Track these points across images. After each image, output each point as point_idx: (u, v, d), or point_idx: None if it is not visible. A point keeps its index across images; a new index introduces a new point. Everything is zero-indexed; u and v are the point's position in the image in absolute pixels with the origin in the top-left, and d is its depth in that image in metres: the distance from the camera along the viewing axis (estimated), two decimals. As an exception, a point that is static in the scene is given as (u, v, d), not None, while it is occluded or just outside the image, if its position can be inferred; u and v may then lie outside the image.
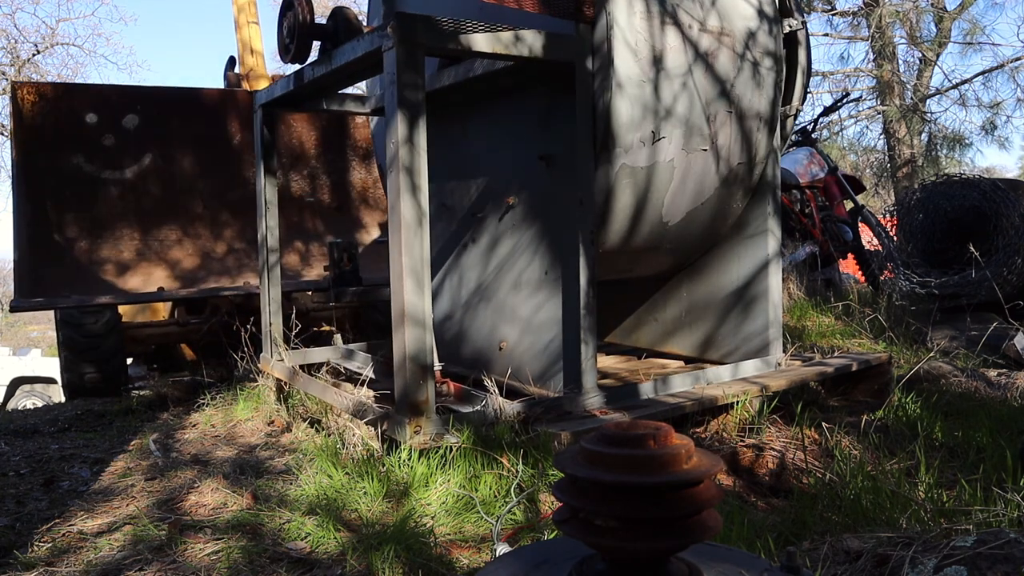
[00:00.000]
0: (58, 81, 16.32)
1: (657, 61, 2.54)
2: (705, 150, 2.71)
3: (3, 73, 16.75)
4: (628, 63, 2.47)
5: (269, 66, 7.32)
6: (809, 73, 3.07)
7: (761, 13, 2.82)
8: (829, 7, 11.93)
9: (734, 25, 2.74)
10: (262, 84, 6.45)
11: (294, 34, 2.82)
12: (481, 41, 2.30)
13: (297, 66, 2.97)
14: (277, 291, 3.33)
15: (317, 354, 3.34)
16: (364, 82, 3.56)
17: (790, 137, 3.00)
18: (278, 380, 3.26)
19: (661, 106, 2.55)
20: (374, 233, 6.10)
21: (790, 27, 2.92)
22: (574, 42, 2.44)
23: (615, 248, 2.75)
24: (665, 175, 2.64)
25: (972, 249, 3.88)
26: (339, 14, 2.87)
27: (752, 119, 2.80)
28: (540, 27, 2.43)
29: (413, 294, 2.20)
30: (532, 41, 2.38)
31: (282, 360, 3.21)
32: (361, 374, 2.81)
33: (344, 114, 5.46)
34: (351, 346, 3.42)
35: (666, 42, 2.57)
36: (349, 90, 3.44)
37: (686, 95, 2.61)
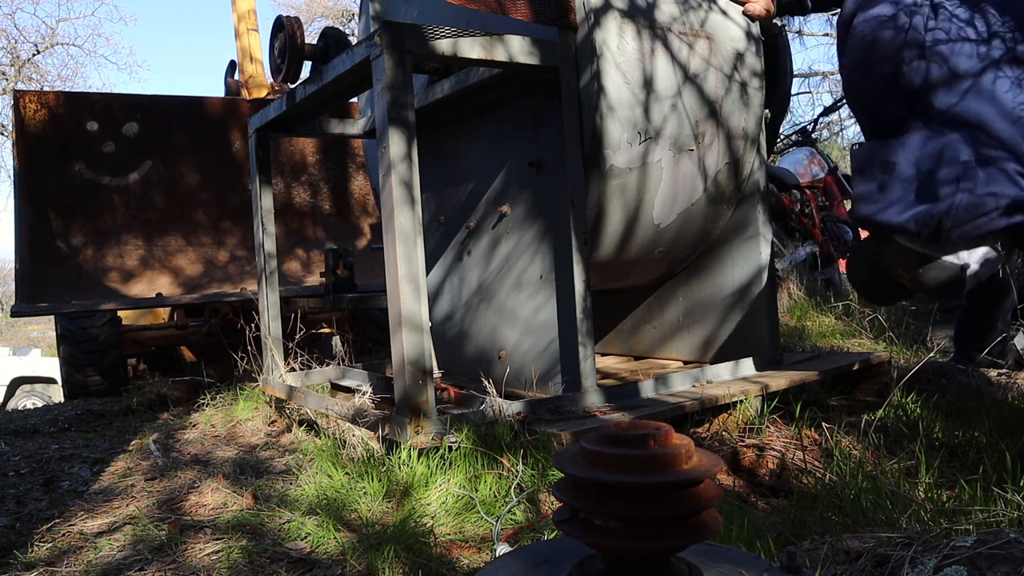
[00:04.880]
0: (59, 82, 16.32)
1: (647, 84, 2.55)
2: (693, 168, 2.72)
3: (3, 73, 16.75)
4: (619, 86, 2.49)
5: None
6: (791, 75, 3.06)
7: (749, 35, 2.83)
8: (829, 7, 11.92)
9: (722, 47, 2.75)
10: (262, 92, 6.46)
11: (285, 54, 2.84)
12: (466, 46, 2.32)
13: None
14: (276, 297, 3.34)
15: (317, 375, 3.36)
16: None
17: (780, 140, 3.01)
18: (278, 399, 3.27)
19: (651, 127, 2.57)
20: (374, 240, 6.14)
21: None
22: (558, 48, 2.45)
23: (609, 258, 2.77)
24: (653, 189, 2.67)
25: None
26: (330, 33, 2.89)
27: (739, 139, 2.81)
28: (525, 35, 2.45)
29: (411, 301, 2.20)
30: (517, 46, 2.40)
31: (282, 380, 3.23)
32: (360, 389, 2.83)
33: (338, 137, 5.51)
34: (350, 366, 3.44)
35: (656, 65, 2.58)
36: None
37: (675, 116, 2.62)
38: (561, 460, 0.74)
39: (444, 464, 2.14)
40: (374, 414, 2.41)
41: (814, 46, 16.24)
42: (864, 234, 2.67)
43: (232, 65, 7.12)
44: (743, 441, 2.38)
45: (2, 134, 16.33)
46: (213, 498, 2.30)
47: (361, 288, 4.29)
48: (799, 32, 11.90)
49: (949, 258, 2.00)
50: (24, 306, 4.65)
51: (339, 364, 3.45)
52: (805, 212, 5.82)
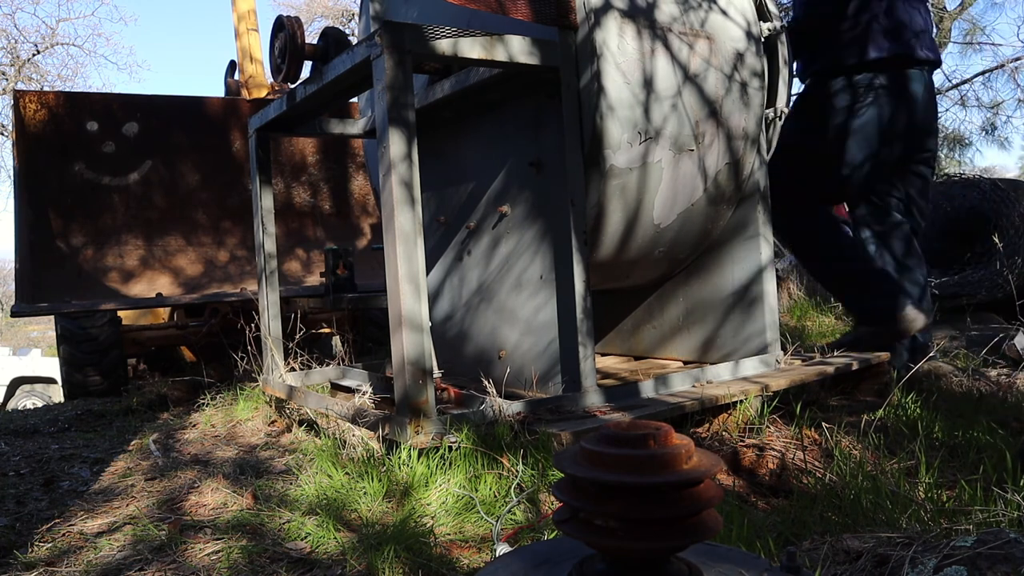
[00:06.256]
0: (59, 82, 16.32)
1: (647, 84, 2.55)
2: (693, 169, 2.72)
3: (3, 73, 16.75)
4: (619, 86, 2.49)
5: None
6: (791, 74, 3.07)
7: (749, 35, 2.83)
8: (829, 7, 11.91)
9: (723, 47, 2.75)
10: (262, 92, 6.46)
11: (285, 54, 2.84)
12: (467, 46, 2.32)
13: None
14: (276, 297, 3.34)
15: (317, 375, 3.36)
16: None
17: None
18: (278, 399, 3.27)
19: (651, 127, 2.57)
20: (374, 240, 6.14)
21: (769, 31, 2.91)
22: (558, 48, 2.45)
23: (609, 258, 2.77)
24: (654, 189, 2.67)
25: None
26: (330, 33, 2.89)
27: (739, 139, 2.81)
28: (525, 35, 2.45)
29: (411, 301, 2.20)
30: (518, 46, 2.40)
31: (282, 380, 3.23)
32: (360, 389, 2.82)
33: (338, 137, 5.50)
34: (350, 366, 3.44)
35: (656, 65, 2.58)
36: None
37: (675, 116, 2.62)
38: (561, 460, 0.74)
39: (444, 464, 2.14)
40: (374, 414, 2.41)
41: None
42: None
43: (232, 65, 7.12)
44: (743, 441, 2.38)
45: (2, 134, 16.32)
46: (213, 498, 2.30)
47: (361, 288, 4.29)
48: (799, 32, 11.87)
49: None
50: (24, 306, 4.65)
51: (339, 364, 3.45)
52: (805, 212, 5.80)
